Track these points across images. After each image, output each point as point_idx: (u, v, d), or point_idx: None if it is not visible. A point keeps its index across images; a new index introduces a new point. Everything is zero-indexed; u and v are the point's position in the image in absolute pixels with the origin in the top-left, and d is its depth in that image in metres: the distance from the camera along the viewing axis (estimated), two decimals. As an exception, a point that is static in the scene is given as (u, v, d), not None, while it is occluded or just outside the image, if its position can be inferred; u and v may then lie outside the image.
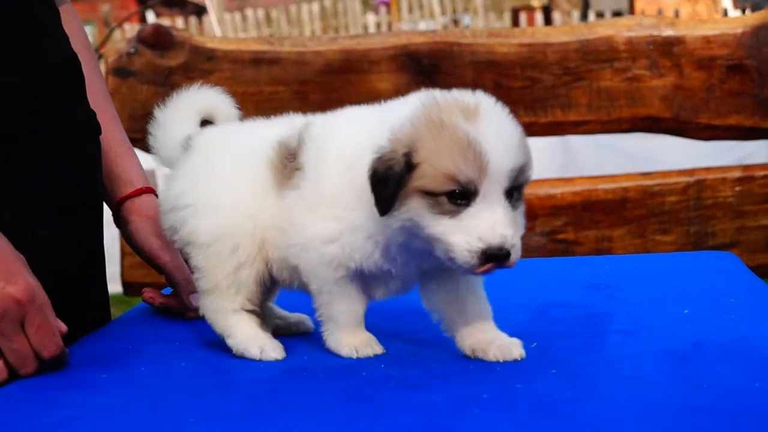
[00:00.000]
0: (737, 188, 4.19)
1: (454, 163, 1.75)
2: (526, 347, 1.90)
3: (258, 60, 4.33)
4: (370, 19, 18.84)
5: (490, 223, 1.77)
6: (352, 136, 1.91)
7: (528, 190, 4.17)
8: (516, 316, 2.16)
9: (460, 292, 1.96)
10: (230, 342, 2.02)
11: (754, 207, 4.20)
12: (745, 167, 4.26)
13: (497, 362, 1.86)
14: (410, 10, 18.62)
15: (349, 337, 1.96)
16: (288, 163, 1.96)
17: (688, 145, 4.68)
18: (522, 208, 1.88)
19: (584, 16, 17.84)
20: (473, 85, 4.23)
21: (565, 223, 4.18)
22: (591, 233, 4.19)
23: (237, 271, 2.00)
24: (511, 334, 1.97)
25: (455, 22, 18.37)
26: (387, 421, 1.57)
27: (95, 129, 2.31)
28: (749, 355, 1.83)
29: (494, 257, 1.76)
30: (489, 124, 1.78)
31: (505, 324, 2.05)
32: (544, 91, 4.25)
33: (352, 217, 1.87)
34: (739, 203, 4.20)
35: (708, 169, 4.25)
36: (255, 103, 4.30)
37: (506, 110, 1.85)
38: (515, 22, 17.81)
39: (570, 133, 4.39)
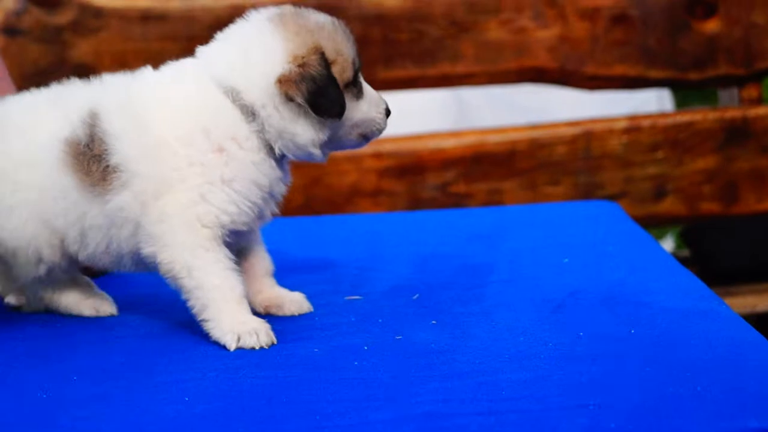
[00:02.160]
0: (624, 139, 4.23)
1: (348, 48, 1.89)
2: (407, 297, 1.92)
3: (146, 17, 4.27)
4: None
5: (376, 94, 1.97)
6: (176, 92, 1.92)
7: (418, 144, 4.20)
8: (398, 268, 2.17)
9: (244, 248, 1.95)
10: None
11: (641, 157, 4.24)
12: (632, 117, 4.29)
13: (376, 313, 1.86)
14: (304, -35, 18.53)
15: (232, 322, 1.79)
16: (93, 166, 1.84)
17: (580, 97, 4.71)
18: None
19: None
20: (361, 39, 4.21)
21: (456, 176, 4.18)
22: (482, 185, 4.20)
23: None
24: (393, 286, 1.99)
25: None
26: (269, 373, 1.57)
27: None
28: (624, 302, 1.87)
29: (388, 113, 1.96)
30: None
31: (386, 275, 2.07)
32: (431, 43, 4.24)
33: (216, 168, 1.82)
34: (626, 153, 4.23)
35: (595, 120, 4.27)
36: (144, 60, 4.22)
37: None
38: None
39: (458, 85, 4.38)
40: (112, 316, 1.99)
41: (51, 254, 1.89)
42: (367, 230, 2.61)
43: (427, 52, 4.23)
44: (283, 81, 1.79)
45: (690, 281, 2.01)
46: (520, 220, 2.71)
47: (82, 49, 4.30)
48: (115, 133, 1.82)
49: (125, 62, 3.91)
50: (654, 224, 4.21)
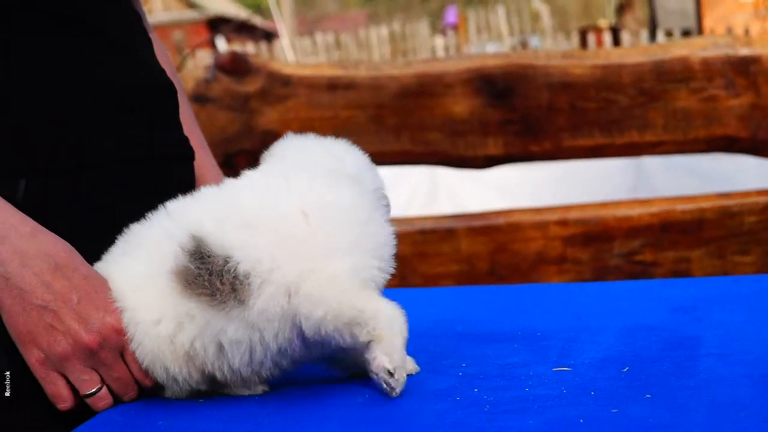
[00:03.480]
0: (817, 207, 4.14)
1: None
2: (617, 370, 1.89)
3: (333, 85, 4.35)
4: (439, 42, 18.85)
5: None
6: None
7: (604, 212, 4.17)
8: (603, 339, 2.13)
9: None
10: None
11: (835, 225, 4.15)
12: (825, 185, 4.21)
13: (587, 386, 1.83)
14: (478, 31, 18.63)
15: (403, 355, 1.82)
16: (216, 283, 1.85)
17: (765, 165, 4.63)
18: None
19: (653, 36, 17.73)
20: (548, 107, 4.24)
21: (643, 245, 4.15)
22: (669, 254, 4.15)
23: None
24: (601, 357, 1.95)
25: (523, 43, 18.34)
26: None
27: (189, 154, 2.31)
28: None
29: None
30: None
31: (592, 347, 2.03)
32: (619, 112, 4.22)
33: None
34: (820, 222, 4.14)
35: (787, 189, 4.20)
36: (331, 127, 4.31)
37: None
38: (583, 43, 17.75)
39: (646, 154, 4.37)
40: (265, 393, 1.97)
41: (187, 377, 1.91)
42: (561, 299, 2.58)
43: (614, 121, 4.23)
44: None
45: None
46: (720, 292, 2.65)
47: (269, 116, 4.40)
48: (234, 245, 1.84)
49: (312, 129, 4.02)
50: None
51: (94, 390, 1.89)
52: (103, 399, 1.90)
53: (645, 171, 6.55)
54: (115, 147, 2.08)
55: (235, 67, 4.34)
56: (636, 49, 4.41)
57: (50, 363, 1.87)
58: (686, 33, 17.96)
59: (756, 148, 4.19)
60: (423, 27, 18.79)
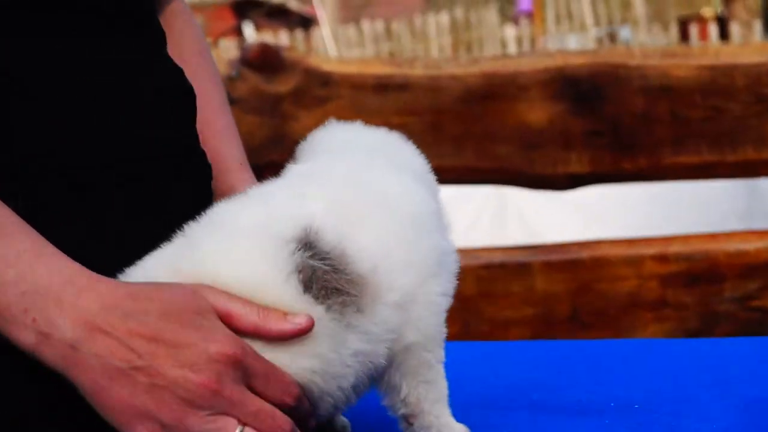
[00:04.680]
0: None
1: None
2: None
3: (383, 86, 4.30)
4: (509, 32, 18.85)
5: None
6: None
7: (713, 245, 4.08)
8: (718, 414, 2.05)
9: None
10: None
11: None
12: None
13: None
14: (557, 20, 18.61)
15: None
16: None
17: None
18: None
19: (767, 28, 17.63)
20: (645, 116, 4.17)
21: (762, 287, 4.08)
22: (793, 299, 4.09)
23: None
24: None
25: (611, 36, 18.29)
26: None
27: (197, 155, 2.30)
28: None
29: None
30: None
31: (705, 426, 1.96)
32: (731, 122, 4.17)
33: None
34: None
35: None
36: (380, 137, 4.27)
37: None
38: (684, 36, 17.67)
39: (763, 175, 4.30)
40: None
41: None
42: (662, 359, 2.51)
43: (726, 134, 4.16)
44: None
45: None
46: None
47: (304, 122, 4.37)
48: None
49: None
50: None
51: None
52: None
53: (762, 195, 6.46)
54: (114, 146, 2.06)
55: (265, 61, 4.30)
56: (752, 47, 4.36)
57: (166, 430, 1.75)
58: (810, 25, 17.85)
59: None
60: (491, 14, 18.79)
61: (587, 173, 4.23)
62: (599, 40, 17.90)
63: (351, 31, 18.94)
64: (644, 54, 4.33)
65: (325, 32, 15.24)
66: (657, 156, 4.18)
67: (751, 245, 4.13)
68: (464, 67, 4.35)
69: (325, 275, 1.74)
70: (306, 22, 21.75)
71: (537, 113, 4.26)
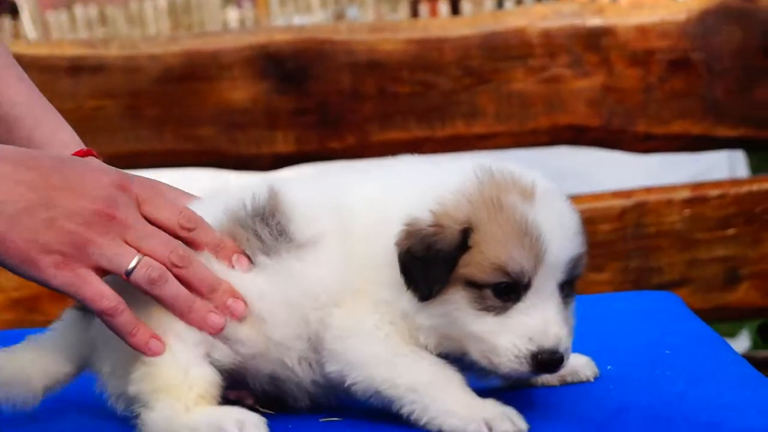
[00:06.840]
0: (686, 212, 4.22)
1: (507, 251, 1.84)
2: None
3: (77, 68, 4.28)
4: (232, 15, 18.77)
5: (542, 321, 1.85)
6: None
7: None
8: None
9: None
10: None
11: (707, 235, 4.23)
12: (695, 186, 4.28)
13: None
14: (282, 2, 18.64)
15: (470, 408, 1.87)
16: None
17: (630, 162, 4.72)
18: (574, 306, 1.95)
19: (500, 5, 17.92)
20: (352, 92, 4.24)
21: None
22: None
23: None
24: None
25: (338, 16, 18.38)
26: None
27: None
28: (685, 422, 1.84)
29: (545, 363, 1.84)
30: (548, 207, 1.89)
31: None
32: (440, 97, 4.25)
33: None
34: (688, 231, 4.22)
35: (649, 190, 4.27)
36: (74, 121, 4.24)
37: (564, 193, 1.96)
38: (414, 15, 17.84)
39: (475, 149, 4.38)
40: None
41: None
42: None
43: (435, 108, 4.24)
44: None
45: (770, 393, 1.99)
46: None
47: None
48: None
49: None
50: (724, 319, 4.19)
51: (134, 263, 1.89)
52: (155, 270, 1.90)
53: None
54: None
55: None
56: (462, 20, 4.47)
57: (69, 259, 1.86)
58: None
59: (609, 140, 4.26)
60: (213, -4, 18.68)
61: (293, 153, 4.28)
62: (327, 22, 17.95)
63: (63, 17, 18.62)
64: (351, 29, 4.40)
65: (24, 17, 14.95)
66: (365, 133, 4.25)
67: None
68: (163, 46, 4.35)
69: None
70: (14, 9, 21.32)
71: (240, 93, 4.28)
